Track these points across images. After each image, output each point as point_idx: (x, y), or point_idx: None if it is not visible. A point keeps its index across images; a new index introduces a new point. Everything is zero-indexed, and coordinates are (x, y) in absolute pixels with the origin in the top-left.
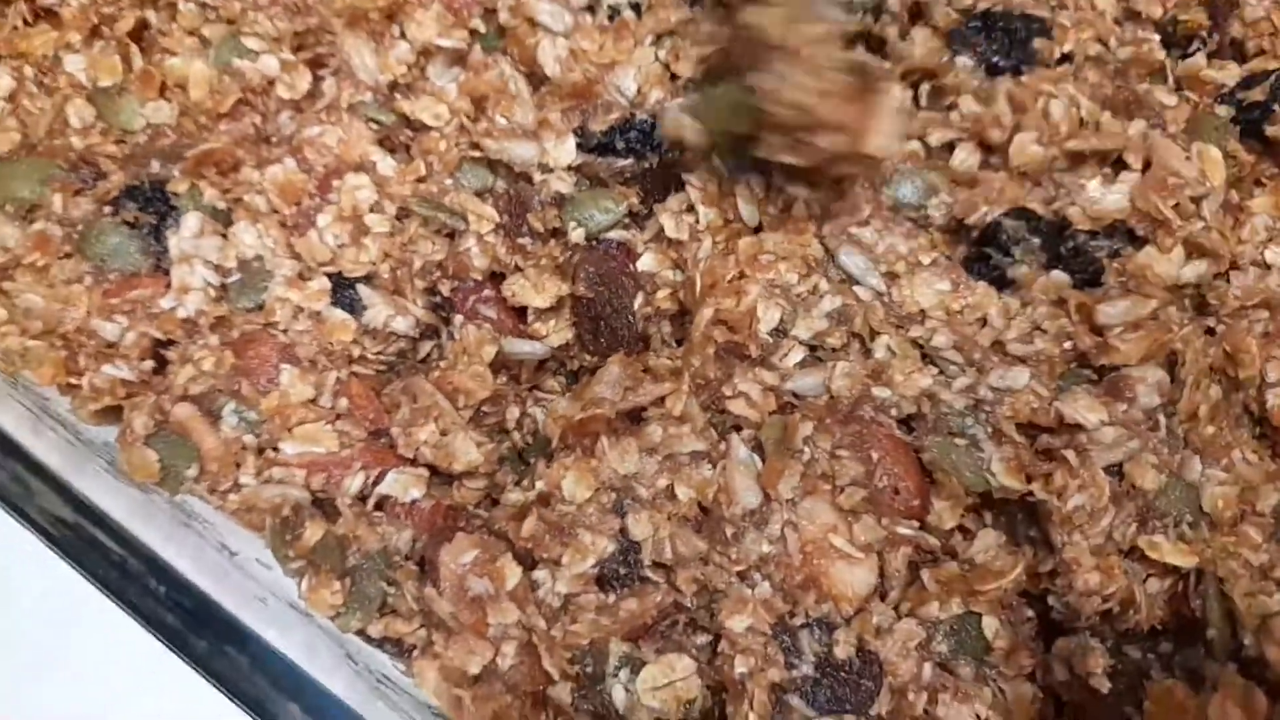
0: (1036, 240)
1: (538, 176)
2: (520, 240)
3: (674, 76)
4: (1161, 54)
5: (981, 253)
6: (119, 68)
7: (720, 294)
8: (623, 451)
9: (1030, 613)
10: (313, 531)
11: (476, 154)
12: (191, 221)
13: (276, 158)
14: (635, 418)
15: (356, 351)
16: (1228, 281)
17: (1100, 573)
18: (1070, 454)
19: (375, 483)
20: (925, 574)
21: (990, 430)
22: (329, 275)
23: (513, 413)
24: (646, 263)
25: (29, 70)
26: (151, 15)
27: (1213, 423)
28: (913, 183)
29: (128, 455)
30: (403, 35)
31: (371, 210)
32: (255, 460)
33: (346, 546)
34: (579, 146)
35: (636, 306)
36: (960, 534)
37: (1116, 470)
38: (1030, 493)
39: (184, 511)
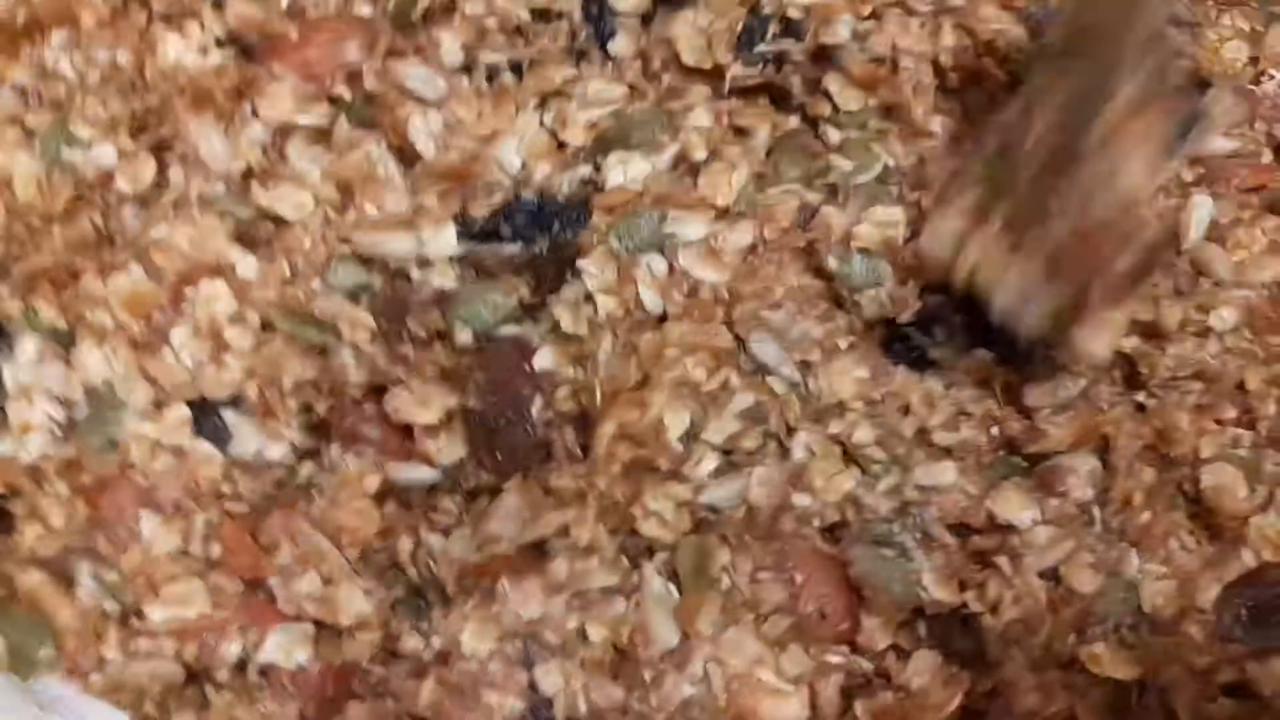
0: (959, 317)
1: (416, 273)
2: (401, 349)
3: (562, 145)
4: None
5: (900, 332)
6: None
7: (623, 406)
8: (526, 593)
9: None
10: None
11: (346, 249)
12: (28, 346)
13: (121, 264)
14: (538, 550)
15: (227, 488)
16: (1161, 351)
17: (1040, 693)
18: (1003, 560)
19: (256, 647)
20: (859, 705)
21: (919, 536)
22: (189, 402)
23: (405, 545)
24: (544, 359)
25: None
26: None
27: (1148, 508)
28: (868, 262)
29: None
30: (255, 114)
31: (232, 322)
32: (118, 631)
33: None
34: (460, 234)
35: (535, 412)
36: (894, 653)
37: (1052, 574)
38: (964, 604)
39: (40, 699)
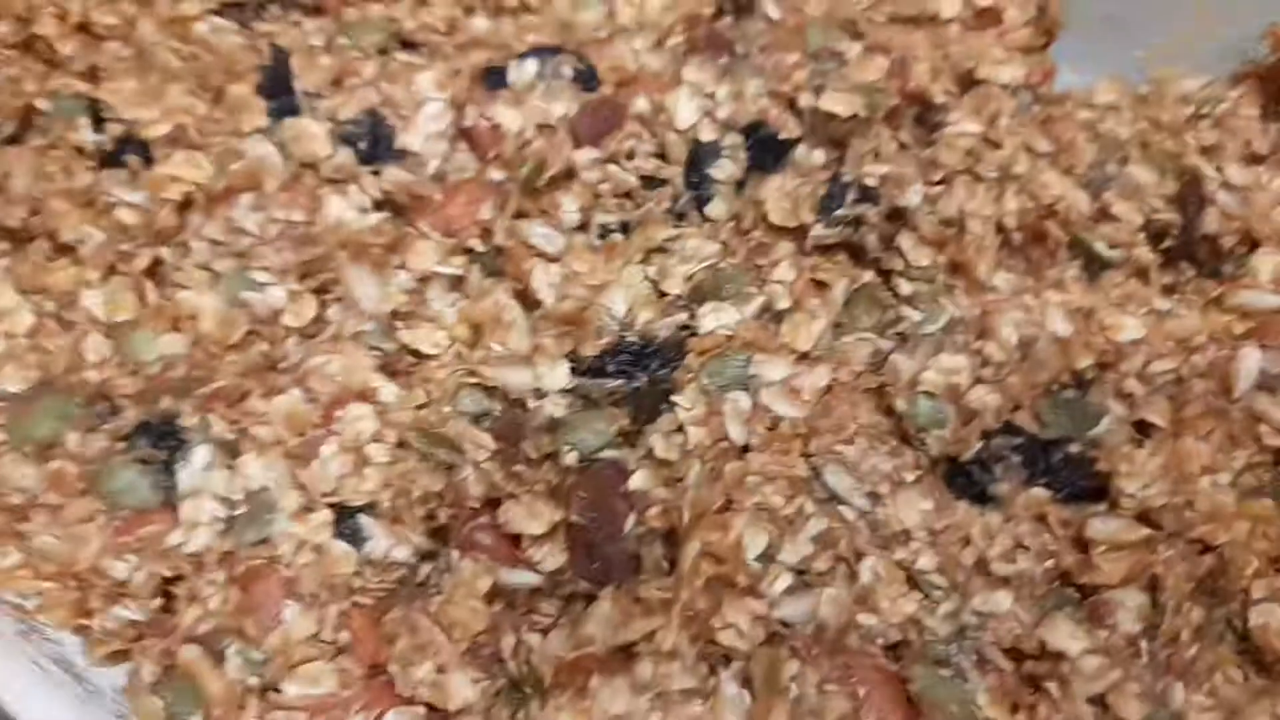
0: (1017, 458)
1: (531, 402)
2: (515, 467)
3: (662, 294)
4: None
5: (963, 469)
6: (134, 302)
7: (707, 528)
8: (614, 691)
9: None
10: None
11: (473, 380)
12: (201, 454)
13: (283, 387)
14: (626, 652)
15: (358, 583)
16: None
17: None
18: (1053, 685)
19: None
20: None
21: (975, 658)
22: (331, 506)
23: (508, 641)
24: (638, 481)
25: (49, 305)
26: (165, 252)
27: (1195, 643)
28: (932, 405)
29: (136, 704)
30: (403, 266)
31: (373, 440)
32: (258, 703)
33: None
34: (572, 370)
35: (628, 528)
36: None
37: (1099, 700)
38: None
39: None
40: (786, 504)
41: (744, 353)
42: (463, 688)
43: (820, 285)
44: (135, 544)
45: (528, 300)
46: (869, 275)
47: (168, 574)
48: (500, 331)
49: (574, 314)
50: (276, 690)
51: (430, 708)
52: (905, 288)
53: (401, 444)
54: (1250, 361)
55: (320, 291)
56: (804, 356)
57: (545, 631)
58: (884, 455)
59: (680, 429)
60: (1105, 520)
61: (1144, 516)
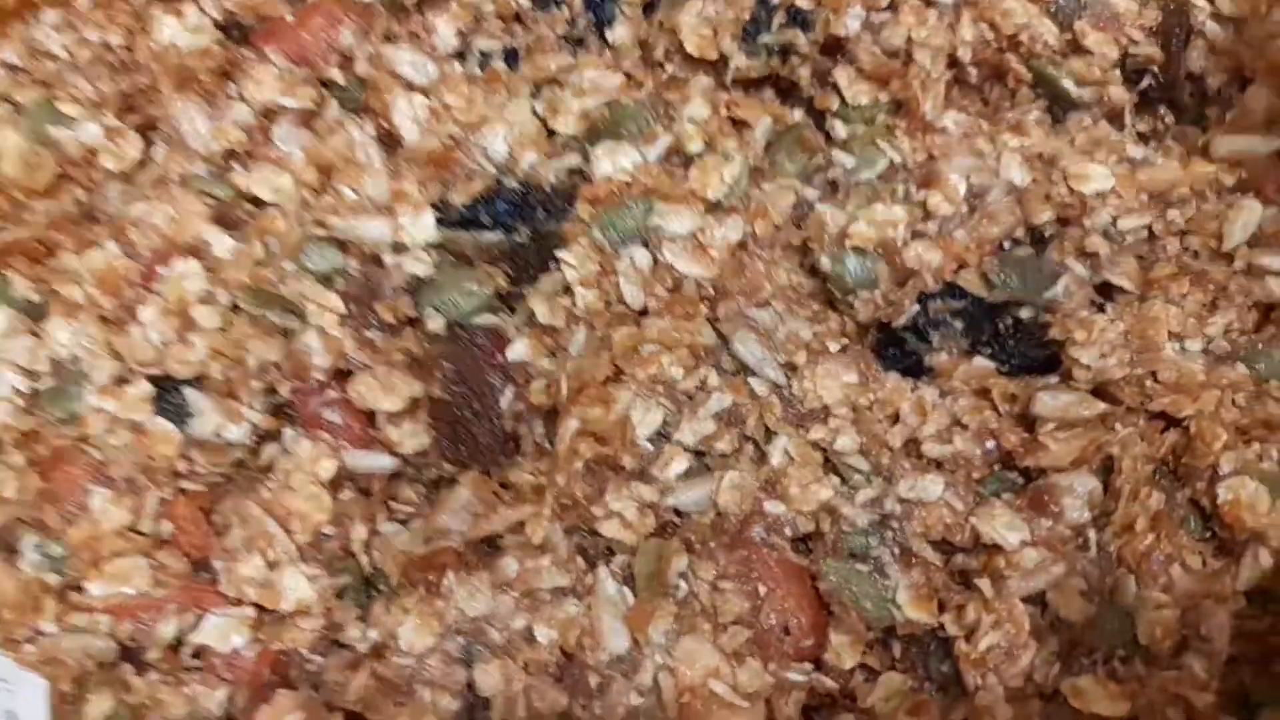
0: (959, 324)
1: (389, 258)
2: (369, 334)
3: (551, 134)
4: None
5: (895, 337)
6: None
7: (587, 402)
8: (472, 589)
9: None
10: (98, 703)
11: (321, 232)
12: None
13: (98, 240)
14: (491, 545)
15: (183, 467)
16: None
17: None
18: (985, 583)
19: (194, 628)
20: None
21: (897, 551)
22: (152, 379)
23: (359, 532)
24: (518, 351)
25: None
26: None
27: (1151, 532)
28: (862, 263)
29: None
30: (241, 97)
31: (202, 301)
32: (56, 605)
33: (144, 716)
34: (438, 221)
35: (505, 404)
36: (862, 673)
37: (1038, 598)
38: (941, 626)
39: None
40: (687, 376)
41: (644, 201)
42: (297, 586)
43: (739, 125)
44: None
45: (389, 140)
46: (798, 115)
47: None
48: (353, 174)
49: (442, 153)
50: (79, 590)
51: (261, 609)
52: (840, 130)
53: (235, 307)
54: (1250, 214)
55: (145, 128)
56: (715, 207)
57: (407, 522)
58: (803, 321)
59: (567, 290)
60: (1055, 394)
61: (1100, 391)
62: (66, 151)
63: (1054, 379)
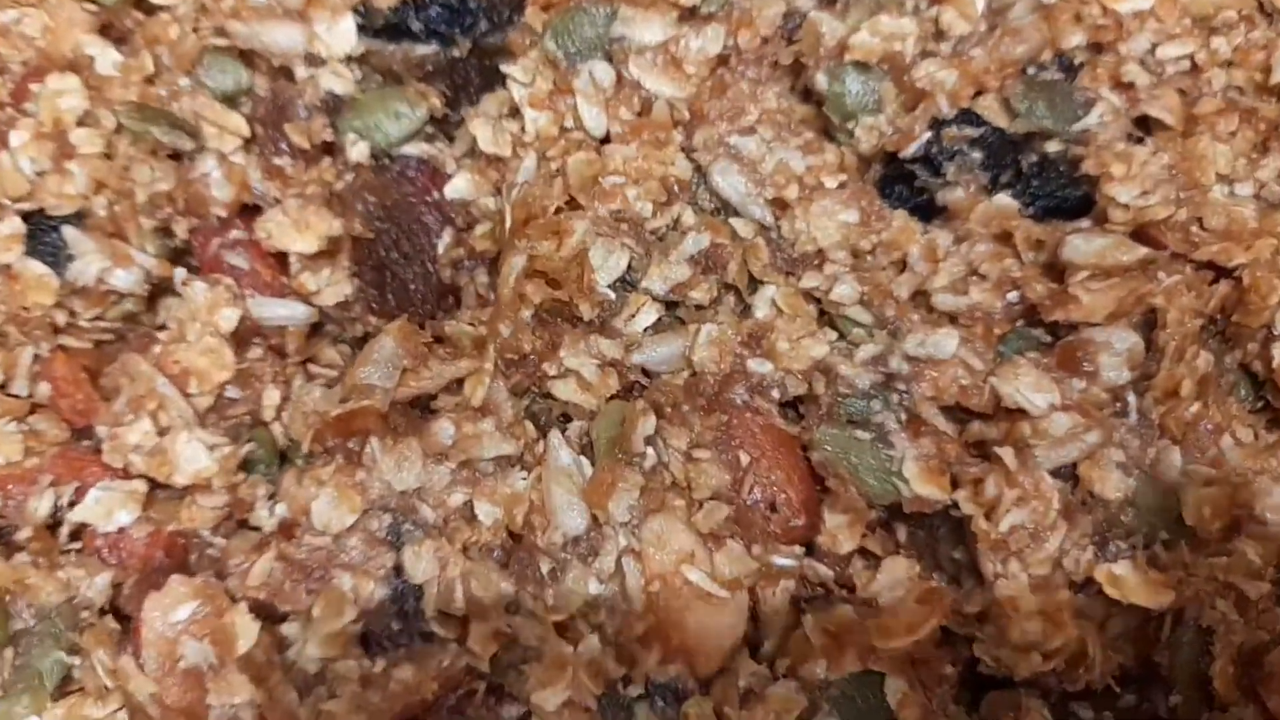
0: (978, 156)
1: (303, 72)
2: (278, 161)
3: None
4: None
5: (903, 170)
6: None
7: (536, 234)
8: (400, 458)
9: (949, 665)
10: None
11: (222, 42)
12: None
13: None
14: (421, 407)
15: (63, 318)
16: None
17: (1044, 620)
18: (1007, 453)
19: (73, 504)
20: (810, 620)
21: (904, 417)
22: (23, 215)
23: (271, 397)
24: (458, 188)
25: None
26: None
27: (1198, 399)
28: (865, 81)
29: None
30: None
31: (82, 124)
32: None
33: (8, 604)
34: (361, 29)
35: (442, 249)
36: (861, 559)
37: (1069, 472)
38: (955, 504)
39: None
40: (657, 213)
41: (607, 6)
42: (194, 455)
43: None
44: None
45: None
46: None
47: None
48: None
49: None
50: None
51: (153, 483)
52: None
53: (121, 129)
54: None
55: None
56: (690, 14)
57: (332, 385)
58: (795, 151)
59: (514, 113)
60: (1089, 238)
61: (1140, 234)
62: None
63: (1086, 222)
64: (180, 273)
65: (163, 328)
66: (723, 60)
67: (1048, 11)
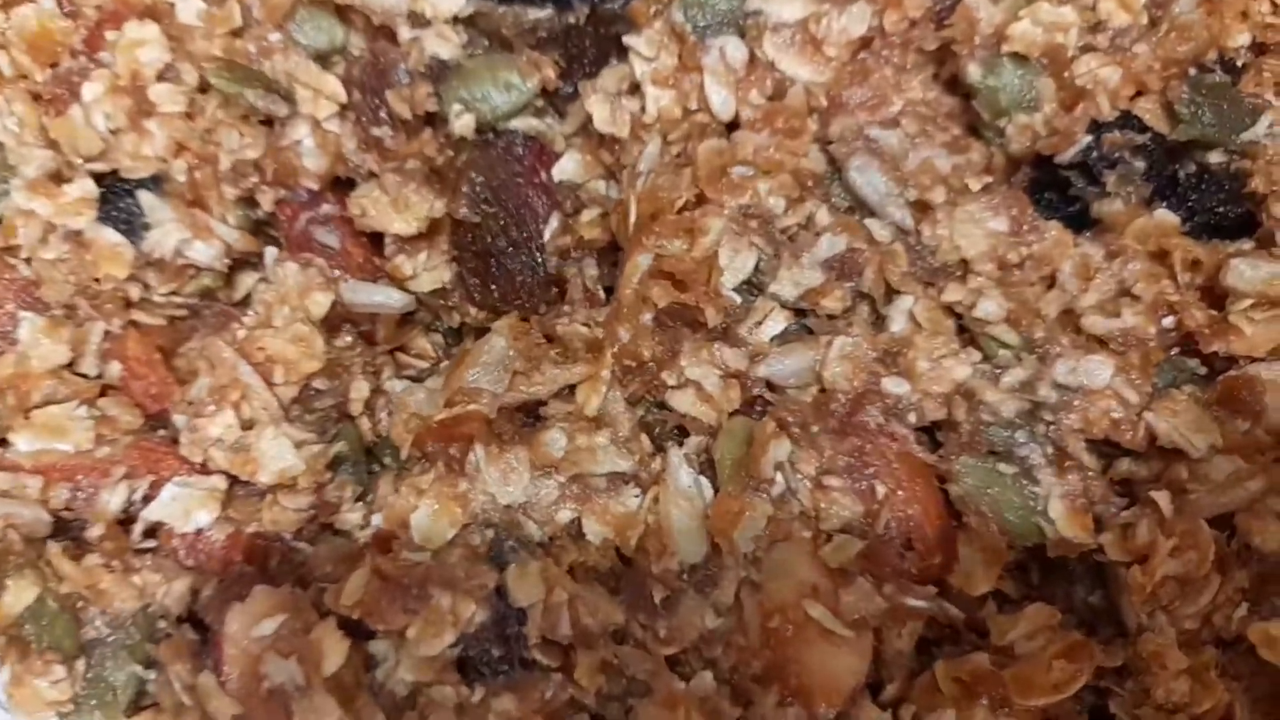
0: (1141, 164)
1: (406, 33)
2: (376, 131)
3: None
4: None
5: (1056, 176)
6: None
7: (665, 231)
8: (506, 468)
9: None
10: (17, 592)
11: None
12: None
13: None
14: (530, 414)
15: (136, 292)
16: None
17: (1191, 679)
18: (1163, 497)
19: (147, 499)
20: (941, 668)
21: (1050, 451)
22: (96, 176)
23: (360, 390)
24: (566, 169)
25: None
26: None
27: None
28: (1022, 76)
29: None
30: None
31: (161, 78)
32: None
33: (79, 611)
34: None
35: (548, 236)
36: (996, 602)
37: (1226, 522)
38: (1100, 548)
39: None
40: (789, 210)
41: None
42: (279, 452)
43: None
44: None
45: None
46: None
47: None
48: None
49: None
50: (3, 443)
51: (233, 480)
52: None
53: (204, 88)
54: None
55: None
56: None
57: (420, 379)
58: (940, 148)
59: (635, 90)
60: (1255, 263)
61: None
62: None
63: (1249, 244)
64: (272, 251)
65: (243, 304)
66: (865, 43)
67: (1213, 6)
